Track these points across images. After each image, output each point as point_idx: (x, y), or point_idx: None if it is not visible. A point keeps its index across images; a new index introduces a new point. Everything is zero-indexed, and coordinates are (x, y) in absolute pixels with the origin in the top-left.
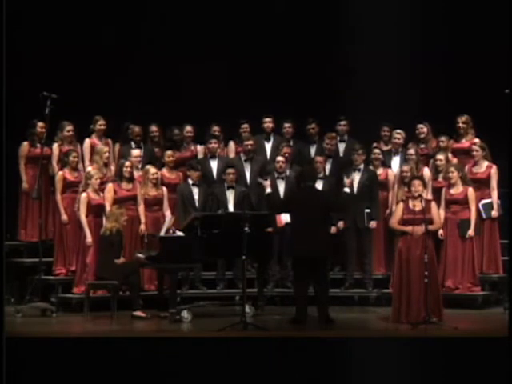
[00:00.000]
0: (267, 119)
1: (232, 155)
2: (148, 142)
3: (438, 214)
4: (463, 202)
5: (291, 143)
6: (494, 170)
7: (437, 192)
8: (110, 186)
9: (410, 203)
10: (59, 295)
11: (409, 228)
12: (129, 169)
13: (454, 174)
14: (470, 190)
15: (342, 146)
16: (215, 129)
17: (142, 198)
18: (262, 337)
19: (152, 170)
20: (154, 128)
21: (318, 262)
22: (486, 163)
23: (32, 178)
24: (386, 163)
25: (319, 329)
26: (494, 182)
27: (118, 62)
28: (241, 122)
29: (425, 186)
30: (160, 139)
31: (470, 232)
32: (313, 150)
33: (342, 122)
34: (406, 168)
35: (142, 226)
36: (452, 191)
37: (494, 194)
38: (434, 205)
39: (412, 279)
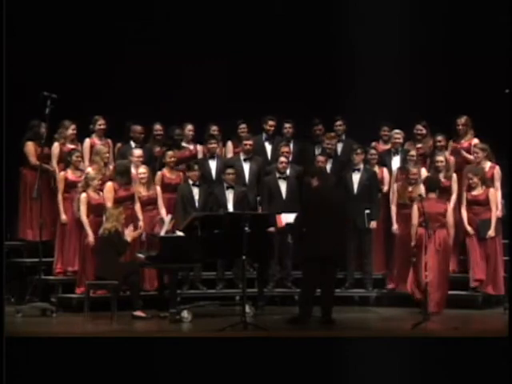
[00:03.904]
0: (270, 121)
1: (230, 155)
2: (149, 142)
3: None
4: (485, 202)
5: (292, 143)
6: (497, 171)
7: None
8: (109, 186)
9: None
10: (59, 295)
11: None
12: (144, 175)
13: (474, 180)
14: (491, 190)
15: (339, 146)
16: (214, 129)
17: (137, 197)
18: (262, 337)
19: (141, 169)
20: (158, 126)
21: (330, 263)
22: (488, 164)
23: (32, 178)
24: (382, 163)
25: (319, 329)
26: (497, 183)
27: (118, 62)
28: (238, 123)
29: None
30: (163, 138)
31: (491, 232)
32: (317, 151)
33: (338, 122)
34: (415, 170)
35: (141, 223)
36: (474, 192)
37: (498, 194)
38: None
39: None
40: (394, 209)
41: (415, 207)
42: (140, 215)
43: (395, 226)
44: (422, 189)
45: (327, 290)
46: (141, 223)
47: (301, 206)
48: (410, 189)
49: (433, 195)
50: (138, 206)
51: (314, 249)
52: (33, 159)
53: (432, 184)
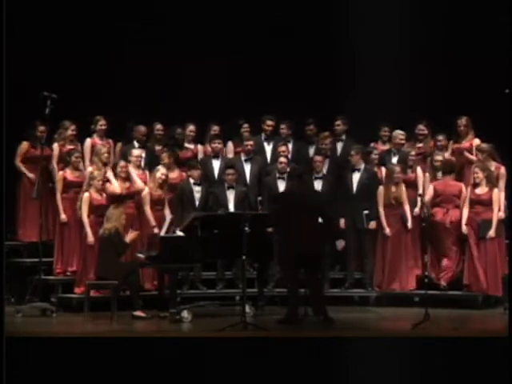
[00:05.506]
0: (268, 121)
1: (230, 155)
2: (151, 141)
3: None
4: (488, 202)
5: (291, 143)
6: (502, 171)
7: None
8: (108, 184)
9: None
10: (59, 295)
11: None
12: (124, 169)
13: (479, 175)
14: (496, 190)
15: (339, 146)
16: (215, 129)
17: (148, 197)
18: (262, 337)
19: (162, 170)
20: (158, 126)
21: (307, 260)
22: (493, 164)
23: (32, 179)
24: (382, 163)
25: (319, 329)
26: (501, 183)
27: (118, 62)
28: (241, 122)
29: None
30: (164, 138)
31: (491, 233)
32: (311, 151)
33: (337, 122)
34: (397, 169)
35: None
36: (477, 191)
37: (502, 195)
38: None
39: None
40: (381, 211)
41: (431, 187)
42: (151, 217)
43: (387, 230)
44: (403, 188)
45: (312, 290)
46: (152, 222)
47: (271, 208)
48: (394, 189)
49: (448, 178)
50: (147, 208)
51: (286, 249)
52: (17, 160)
53: (447, 167)
